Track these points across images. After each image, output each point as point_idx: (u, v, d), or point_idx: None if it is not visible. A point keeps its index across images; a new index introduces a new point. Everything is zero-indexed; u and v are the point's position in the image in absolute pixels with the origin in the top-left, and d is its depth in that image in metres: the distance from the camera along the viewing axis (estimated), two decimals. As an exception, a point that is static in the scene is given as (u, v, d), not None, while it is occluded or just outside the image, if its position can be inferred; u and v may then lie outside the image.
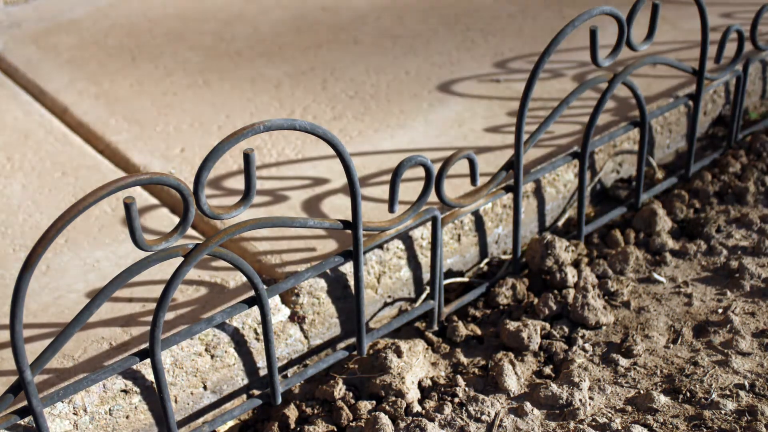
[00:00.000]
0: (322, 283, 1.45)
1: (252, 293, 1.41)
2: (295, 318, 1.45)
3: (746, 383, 1.40)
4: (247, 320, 1.39)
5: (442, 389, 1.43)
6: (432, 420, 1.36)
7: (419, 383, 1.45)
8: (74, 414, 1.25)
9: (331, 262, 1.38)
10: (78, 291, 1.45)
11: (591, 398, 1.40)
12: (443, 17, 2.33)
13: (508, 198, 1.65)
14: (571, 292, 1.57)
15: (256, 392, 1.42)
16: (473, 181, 1.45)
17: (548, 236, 1.62)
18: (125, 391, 1.29)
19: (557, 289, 1.59)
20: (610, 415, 1.37)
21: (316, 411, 1.42)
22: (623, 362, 1.46)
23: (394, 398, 1.40)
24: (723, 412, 1.35)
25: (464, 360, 1.50)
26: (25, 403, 1.16)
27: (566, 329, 1.53)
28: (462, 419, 1.36)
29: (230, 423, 1.42)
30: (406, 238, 1.52)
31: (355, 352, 1.47)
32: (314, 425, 1.38)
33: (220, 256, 1.20)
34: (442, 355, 1.52)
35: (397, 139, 1.81)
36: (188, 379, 1.35)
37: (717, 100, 2.02)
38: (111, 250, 1.53)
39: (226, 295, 1.43)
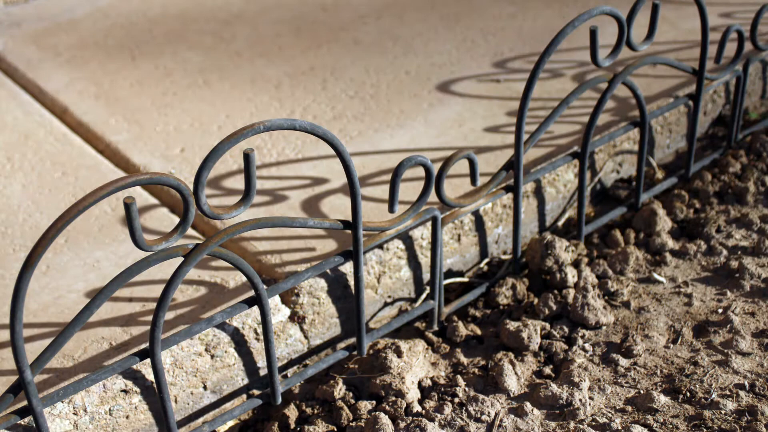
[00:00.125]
0: (322, 283, 1.45)
1: (252, 293, 1.41)
2: (295, 318, 1.45)
3: (746, 383, 1.40)
4: (247, 320, 1.39)
5: (442, 389, 1.43)
6: (432, 420, 1.36)
7: (419, 383, 1.45)
8: (74, 414, 1.25)
9: (331, 262, 1.38)
10: (78, 291, 1.45)
11: (591, 398, 1.40)
12: (443, 17, 2.33)
13: (508, 198, 1.65)
14: (571, 292, 1.57)
15: (256, 392, 1.42)
16: (473, 181, 1.45)
17: (548, 236, 1.62)
18: (125, 391, 1.29)
19: (557, 289, 1.59)
20: (610, 415, 1.37)
21: (316, 411, 1.42)
22: (623, 362, 1.46)
23: (394, 398, 1.40)
24: (723, 412, 1.35)
25: (464, 360, 1.50)
26: (25, 403, 1.16)
27: (566, 329, 1.53)
28: (462, 419, 1.36)
29: (230, 423, 1.42)
30: (406, 238, 1.53)
31: (355, 352, 1.47)
32: (314, 425, 1.38)
33: (220, 256, 1.20)
34: (442, 355, 1.52)
35: (397, 139, 1.81)
36: (188, 379, 1.35)
37: (717, 100, 2.02)
38: (111, 250, 1.53)
39: (226, 295, 1.43)
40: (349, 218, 1.33)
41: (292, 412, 1.42)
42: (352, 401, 1.42)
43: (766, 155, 1.93)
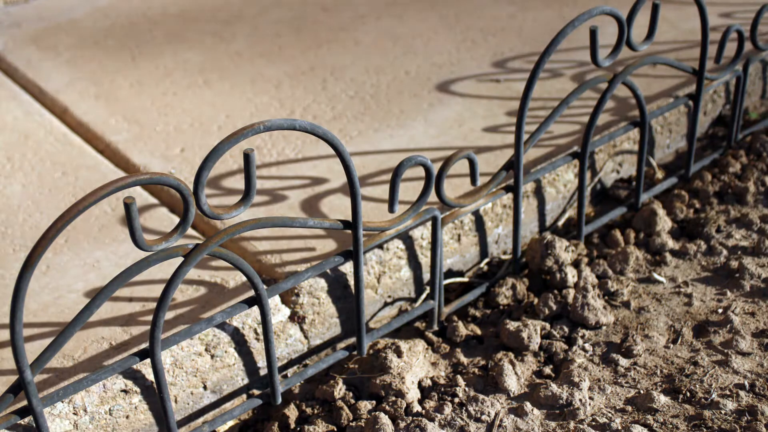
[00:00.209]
0: (322, 283, 1.45)
1: (252, 293, 1.41)
2: (295, 318, 1.45)
3: (746, 383, 1.40)
4: (247, 320, 1.39)
5: (442, 389, 1.43)
6: (432, 420, 1.36)
7: (419, 383, 1.45)
8: (74, 414, 1.25)
9: (331, 262, 1.38)
10: (78, 291, 1.45)
11: (591, 398, 1.40)
12: (443, 17, 2.33)
13: (508, 198, 1.65)
14: (571, 292, 1.57)
15: (256, 392, 1.42)
16: (473, 181, 1.45)
17: (548, 236, 1.62)
18: (125, 391, 1.29)
19: (557, 289, 1.59)
20: (610, 415, 1.37)
21: (316, 411, 1.42)
22: (623, 362, 1.46)
23: (394, 398, 1.40)
24: (723, 412, 1.35)
25: (464, 360, 1.50)
26: (25, 403, 1.16)
27: (566, 329, 1.53)
28: (462, 419, 1.36)
29: (230, 423, 1.42)
30: (406, 238, 1.53)
31: (355, 352, 1.47)
32: (314, 425, 1.38)
33: (220, 256, 1.20)
34: (442, 355, 1.52)
35: (396, 139, 1.81)
36: (188, 379, 1.35)
37: (717, 100, 2.02)
38: (111, 250, 1.53)
39: (226, 295, 1.43)
40: (349, 218, 1.33)
41: (292, 412, 1.42)
42: (352, 401, 1.42)
43: (766, 155, 1.93)
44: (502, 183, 1.59)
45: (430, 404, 1.40)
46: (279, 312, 1.44)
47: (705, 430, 1.33)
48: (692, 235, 1.75)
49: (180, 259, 1.20)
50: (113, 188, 1.03)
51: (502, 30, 2.25)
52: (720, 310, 1.55)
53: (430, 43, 2.19)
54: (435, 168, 1.38)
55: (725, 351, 1.47)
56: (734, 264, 1.65)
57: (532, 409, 1.37)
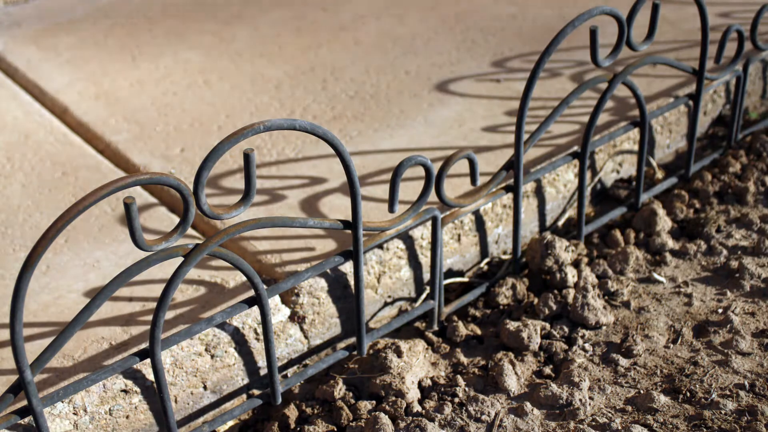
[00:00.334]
0: (322, 283, 1.45)
1: (252, 293, 1.41)
2: (295, 318, 1.45)
3: (746, 383, 1.40)
4: (247, 320, 1.39)
5: (442, 389, 1.43)
6: (432, 420, 1.36)
7: (419, 383, 1.45)
8: (74, 414, 1.25)
9: (331, 262, 1.38)
10: (78, 291, 1.45)
11: (591, 398, 1.40)
12: (443, 17, 2.33)
13: (508, 198, 1.65)
14: (571, 292, 1.57)
15: (256, 392, 1.42)
16: (473, 181, 1.45)
17: (548, 236, 1.62)
18: (125, 391, 1.29)
19: (557, 289, 1.59)
20: (610, 415, 1.37)
21: (316, 411, 1.42)
22: (623, 362, 1.46)
23: (394, 398, 1.40)
24: (723, 412, 1.35)
25: (464, 360, 1.50)
26: (25, 402, 1.16)
27: (566, 329, 1.53)
28: (462, 419, 1.36)
29: (230, 423, 1.42)
30: (406, 238, 1.53)
31: (355, 352, 1.47)
32: (314, 425, 1.38)
33: (220, 256, 1.20)
34: (442, 355, 1.52)
35: (396, 139, 1.81)
36: (188, 379, 1.35)
37: (717, 100, 2.02)
38: (111, 250, 1.53)
39: (226, 295, 1.43)
40: (349, 218, 1.33)
41: (292, 412, 1.42)
42: (352, 401, 1.42)
43: (766, 155, 1.93)
44: (502, 183, 1.59)
45: (430, 404, 1.40)
46: (279, 312, 1.44)
47: (705, 430, 1.33)
48: (692, 235, 1.75)
49: (180, 259, 1.20)
50: (113, 188, 1.03)
51: (502, 30, 2.25)
52: (720, 310, 1.55)
53: (430, 43, 2.19)
54: (435, 168, 1.38)
55: (725, 351, 1.47)
56: (734, 264, 1.65)
57: (532, 409, 1.37)
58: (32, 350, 1.31)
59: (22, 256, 1.53)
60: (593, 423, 1.35)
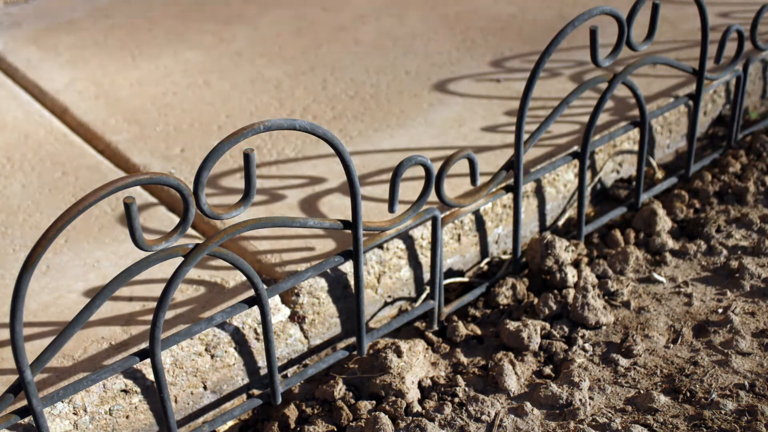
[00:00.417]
0: (322, 283, 1.45)
1: (252, 293, 1.41)
2: (295, 318, 1.45)
3: (746, 383, 1.40)
4: (247, 320, 1.39)
5: (442, 389, 1.43)
6: (432, 420, 1.36)
7: (419, 383, 1.45)
8: (74, 414, 1.25)
9: (331, 262, 1.38)
10: (78, 291, 1.45)
11: (591, 398, 1.40)
12: (443, 17, 2.33)
13: (508, 198, 1.65)
14: (571, 292, 1.57)
15: (256, 392, 1.42)
16: (473, 181, 1.45)
17: (548, 236, 1.62)
18: (125, 391, 1.29)
19: (557, 289, 1.59)
20: (610, 415, 1.37)
21: (316, 411, 1.42)
22: (623, 362, 1.46)
23: (394, 398, 1.40)
24: (723, 412, 1.35)
25: (464, 360, 1.50)
26: (25, 402, 1.16)
27: (566, 329, 1.53)
28: (462, 419, 1.36)
29: (230, 423, 1.42)
30: (406, 238, 1.53)
31: (355, 352, 1.47)
32: (314, 425, 1.38)
33: (220, 256, 1.20)
34: (442, 355, 1.52)
35: (397, 139, 1.81)
36: (188, 379, 1.35)
37: (717, 100, 2.02)
38: (111, 250, 1.53)
39: (226, 295, 1.43)
40: (349, 218, 1.33)
41: (292, 412, 1.42)
42: (352, 401, 1.42)
43: (766, 155, 1.93)
44: (502, 183, 1.59)
45: (430, 404, 1.40)
46: (279, 312, 1.44)
47: (705, 430, 1.33)
48: (692, 235, 1.75)
49: (180, 259, 1.20)
50: (113, 188, 1.03)
51: (502, 30, 2.25)
52: (720, 310, 1.55)
53: (430, 43, 2.19)
54: (435, 168, 1.38)
55: (725, 351, 1.47)
56: (734, 264, 1.65)
57: (532, 409, 1.37)
58: (32, 350, 1.31)
59: (22, 256, 1.53)
60: (593, 423, 1.35)
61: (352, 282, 1.48)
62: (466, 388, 1.42)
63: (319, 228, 1.36)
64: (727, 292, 1.60)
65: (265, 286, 1.28)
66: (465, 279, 1.64)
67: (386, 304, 1.56)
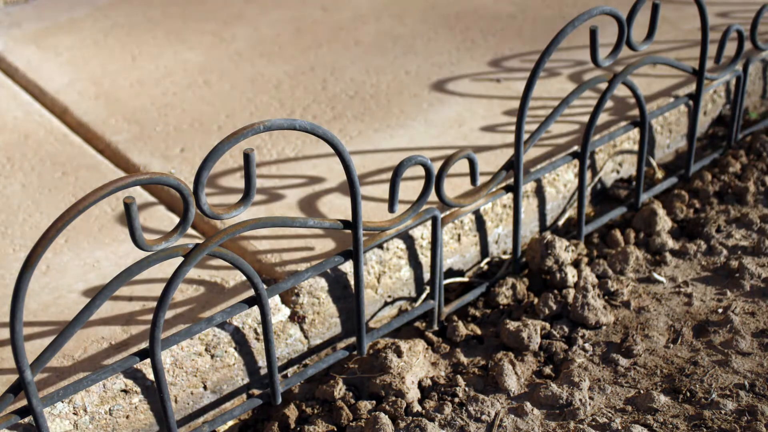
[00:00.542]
0: (322, 283, 1.45)
1: (252, 293, 1.41)
2: (295, 318, 1.45)
3: (746, 383, 1.40)
4: (247, 320, 1.39)
5: (442, 389, 1.43)
6: (432, 420, 1.36)
7: (419, 383, 1.45)
8: (74, 414, 1.25)
9: (332, 262, 1.38)
10: (78, 291, 1.45)
11: (591, 398, 1.40)
12: (443, 17, 2.33)
13: (508, 198, 1.65)
14: (571, 292, 1.57)
15: (256, 392, 1.42)
16: (473, 181, 1.45)
17: (548, 236, 1.62)
18: (125, 391, 1.29)
19: (557, 289, 1.59)
20: (610, 415, 1.37)
21: (316, 411, 1.42)
22: (623, 362, 1.46)
23: (394, 398, 1.40)
24: (723, 412, 1.35)
25: (464, 360, 1.50)
26: (25, 402, 1.16)
27: (566, 329, 1.53)
28: (462, 419, 1.36)
29: (230, 423, 1.42)
30: (406, 238, 1.53)
31: (355, 352, 1.47)
32: (314, 425, 1.38)
33: (221, 256, 1.20)
34: (442, 354, 1.52)
35: (397, 139, 1.81)
36: (188, 379, 1.35)
37: (717, 100, 2.02)
38: (111, 250, 1.53)
39: (226, 295, 1.43)
40: (349, 218, 1.33)
41: (292, 412, 1.42)
42: (352, 401, 1.42)
43: (766, 155, 1.93)
44: (502, 183, 1.59)
45: (430, 404, 1.40)
46: (279, 312, 1.44)
47: (705, 430, 1.33)
48: (692, 235, 1.75)
49: (180, 259, 1.20)
50: (113, 188, 1.03)
51: (502, 30, 2.25)
52: (720, 310, 1.55)
53: (430, 43, 2.19)
54: (435, 168, 1.38)
55: (725, 351, 1.47)
56: (734, 264, 1.65)
57: (532, 409, 1.37)
58: (32, 350, 1.31)
59: (22, 256, 1.53)
60: (593, 423, 1.35)
61: (352, 282, 1.48)
62: (466, 388, 1.42)
63: (319, 228, 1.36)
64: (727, 292, 1.60)
65: (265, 286, 1.28)
66: (465, 279, 1.64)
67: (386, 304, 1.56)
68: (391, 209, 1.36)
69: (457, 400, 1.40)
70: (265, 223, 1.24)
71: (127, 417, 1.29)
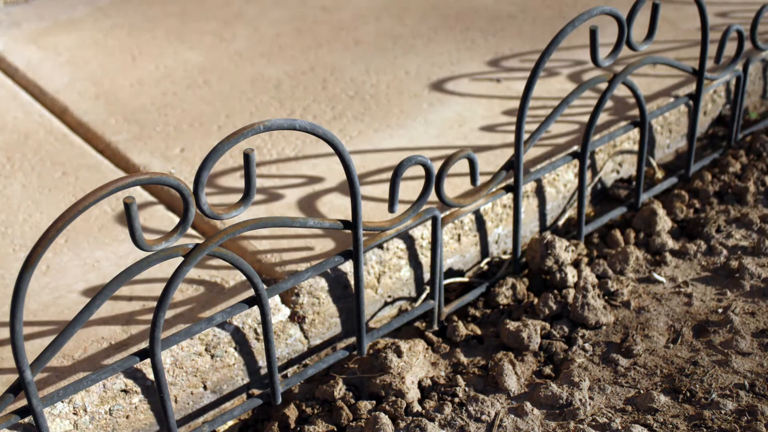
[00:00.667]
0: (322, 283, 1.45)
1: (252, 293, 1.41)
2: (295, 318, 1.45)
3: (746, 383, 1.40)
4: (247, 320, 1.39)
5: (442, 389, 1.43)
6: (432, 420, 1.36)
7: (419, 383, 1.45)
8: (74, 414, 1.25)
9: (332, 262, 1.38)
10: (78, 291, 1.45)
11: (591, 398, 1.40)
12: (443, 17, 2.33)
13: (508, 198, 1.65)
14: (571, 292, 1.57)
15: (256, 392, 1.42)
16: (473, 181, 1.45)
17: (548, 236, 1.62)
18: (125, 391, 1.29)
19: (557, 289, 1.59)
20: (610, 415, 1.37)
21: (316, 411, 1.42)
22: (623, 362, 1.46)
23: (394, 398, 1.40)
24: (723, 412, 1.35)
25: (464, 360, 1.50)
26: (25, 402, 1.16)
27: (566, 329, 1.53)
28: (462, 419, 1.36)
29: (230, 423, 1.42)
30: (406, 238, 1.53)
31: (355, 352, 1.47)
32: (314, 425, 1.38)
33: (220, 256, 1.20)
34: (442, 354, 1.52)
35: (396, 139, 1.81)
36: (188, 379, 1.35)
37: (717, 100, 2.02)
38: (111, 250, 1.53)
39: (226, 295, 1.43)
40: (349, 218, 1.33)
41: (292, 412, 1.42)
42: (352, 401, 1.42)
43: (766, 155, 1.93)
44: (502, 183, 1.59)
45: (430, 404, 1.40)
46: (279, 312, 1.44)
47: (705, 430, 1.33)
48: (692, 235, 1.75)
49: (180, 259, 1.20)
50: (113, 188, 1.03)
51: (502, 30, 2.25)
52: (720, 310, 1.55)
53: (430, 43, 2.19)
54: (435, 168, 1.38)
55: (725, 351, 1.47)
56: (734, 264, 1.65)
57: (532, 409, 1.37)
58: (32, 350, 1.31)
59: (22, 256, 1.53)
60: (593, 423, 1.35)
61: (352, 282, 1.48)
62: (466, 388, 1.42)
63: (319, 228, 1.36)
64: (727, 292, 1.60)
65: (265, 286, 1.28)
66: (465, 279, 1.64)
67: (386, 304, 1.56)
68: (391, 209, 1.36)
69: (457, 400, 1.40)
70: (265, 223, 1.24)
71: (127, 417, 1.29)
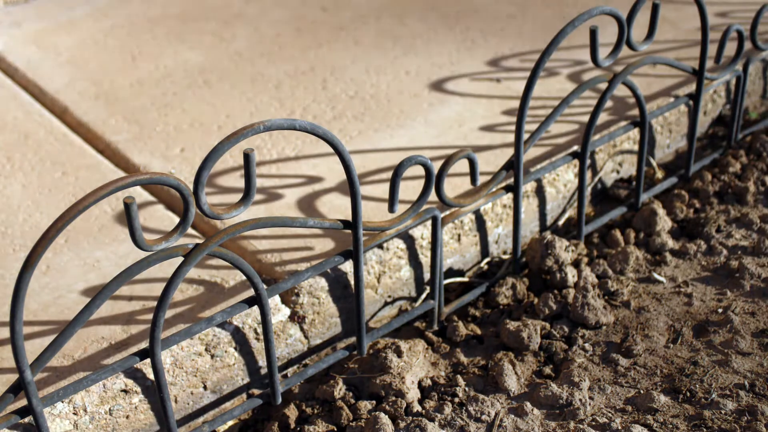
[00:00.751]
0: (322, 283, 1.45)
1: (252, 293, 1.41)
2: (295, 318, 1.45)
3: (746, 383, 1.40)
4: (247, 320, 1.39)
5: (442, 389, 1.43)
6: (432, 420, 1.36)
7: (419, 383, 1.45)
8: (74, 414, 1.25)
9: (332, 262, 1.38)
10: (78, 291, 1.45)
11: (591, 398, 1.40)
12: (443, 17, 2.33)
13: (508, 198, 1.65)
14: (571, 291, 1.57)
15: (256, 392, 1.42)
16: (473, 181, 1.45)
17: (548, 236, 1.62)
18: (125, 391, 1.29)
19: (557, 289, 1.59)
20: (610, 415, 1.37)
21: (316, 411, 1.42)
22: (623, 362, 1.46)
23: (394, 398, 1.40)
24: (723, 412, 1.35)
25: (464, 360, 1.50)
26: (25, 402, 1.16)
27: (566, 329, 1.53)
28: (462, 419, 1.36)
29: (230, 423, 1.42)
30: (406, 238, 1.53)
31: (355, 352, 1.47)
32: (314, 425, 1.38)
33: (221, 255, 1.20)
34: (442, 354, 1.52)
35: (396, 139, 1.81)
36: (188, 379, 1.35)
37: (717, 99, 2.02)
38: (111, 249, 1.53)
39: (226, 294, 1.43)
40: (349, 218, 1.33)
41: (292, 412, 1.42)
42: (352, 401, 1.42)
43: (766, 155, 1.93)
44: (502, 183, 1.59)
45: (430, 404, 1.40)
46: (279, 312, 1.44)
47: (705, 430, 1.33)
48: (692, 235, 1.75)
49: (180, 259, 1.20)
50: (113, 188, 1.03)
51: (502, 30, 2.25)
52: (720, 310, 1.55)
53: (430, 43, 2.19)
54: (435, 168, 1.38)
55: (725, 351, 1.47)
56: (734, 264, 1.65)
57: (532, 409, 1.37)
58: (32, 350, 1.31)
59: (22, 256, 1.53)
60: (593, 423, 1.35)
61: (352, 282, 1.48)
62: (466, 388, 1.42)
63: (318, 228, 1.36)
64: (727, 292, 1.60)
65: (265, 286, 1.28)
66: (465, 279, 1.64)
67: (386, 304, 1.56)
68: (391, 209, 1.36)
69: (457, 400, 1.40)
70: (265, 223, 1.24)
71: (127, 417, 1.29)
